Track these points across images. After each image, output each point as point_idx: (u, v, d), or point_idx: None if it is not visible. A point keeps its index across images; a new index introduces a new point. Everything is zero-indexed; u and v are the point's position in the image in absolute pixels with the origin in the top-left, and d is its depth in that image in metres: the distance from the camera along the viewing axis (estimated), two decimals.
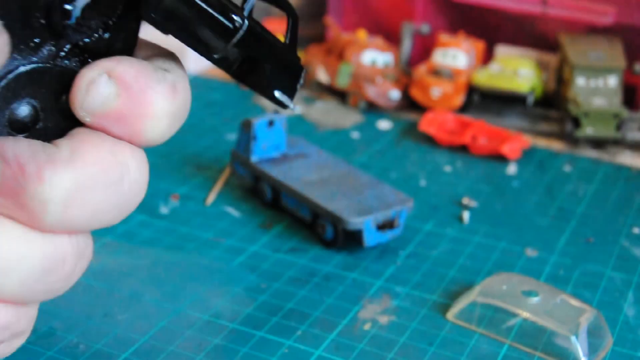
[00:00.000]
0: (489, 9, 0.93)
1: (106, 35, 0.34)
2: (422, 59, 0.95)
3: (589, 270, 0.62)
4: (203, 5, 0.33)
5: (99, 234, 0.63)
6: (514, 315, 0.54)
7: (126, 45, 0.35)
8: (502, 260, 0.63)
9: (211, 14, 0.33)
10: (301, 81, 0.39)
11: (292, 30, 0.38)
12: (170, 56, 0.36)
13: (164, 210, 0.67)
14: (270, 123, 0.69)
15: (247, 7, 0.35)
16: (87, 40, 0.34)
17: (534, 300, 0.54)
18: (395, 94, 0.88)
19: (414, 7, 0.95)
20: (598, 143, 0.82)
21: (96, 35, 0.34)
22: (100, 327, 0.53)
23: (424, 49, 0.95)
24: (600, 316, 0.54)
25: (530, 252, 0.64)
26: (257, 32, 0.36)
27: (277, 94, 0.37)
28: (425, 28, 0.94)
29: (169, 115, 0.33)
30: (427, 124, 0.83)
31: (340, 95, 0.91)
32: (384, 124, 0.86)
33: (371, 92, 0.88)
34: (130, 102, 0.32)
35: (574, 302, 0.54)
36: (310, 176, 0.67)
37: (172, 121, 0.34)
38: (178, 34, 0.34)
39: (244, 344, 0.52)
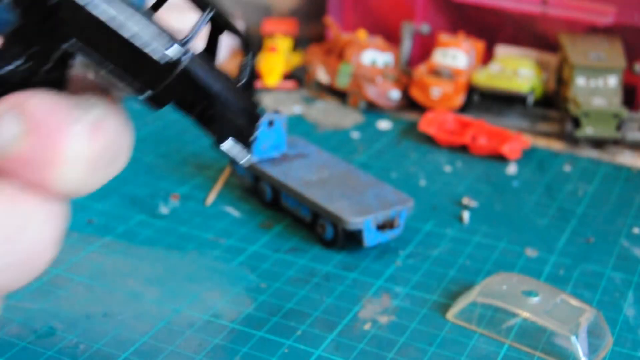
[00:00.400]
0: (489, 9, 0.93)
1: (26, 66, 0.29)
2: (422, 59, 0.95)
3: (589, 270, 0.62)
4: (125, 34, 0.28)
5: (98, 234, 0.63)
6: (514, 315, 0.54)
7: (51, 77, 0.30)
8: (502, 260, 0.63)
9: (135, 46, 0.28)
10: (258, 130, 0.32)
11: (250, 66, 0.33)
12: (102, 91, 0.30)
13: (164, 210, 0.67)
14: (270, 123, 0.69)
15: (191, 36, 0.29)
16: (1, 70, 0.29)
17: (534, 300, 0.54)
18: (395, 94, 0.88)
19: (414, 7, 0.95)
20: (598, 143, 0.82)
21: (15, 64, 0.29)
22: (100, 327, 0.53)
23: (424, 49, 0.95)
24: (600, 316, 0.54)
25: (530, 252, 0.64)
26: (197, 71, 0.30)
27: (226, 145, 0.31)
28: (425, 28, 0.94)
29: (86, 161, 0.28)
30: (427, 124, 0.83)
31: (340, 95, 0.91)
32: (384, 124, 0.86)
33: (371, 92, 0.88)
34: (38, 143, 0.27)
35: (574, 302, 0.54)
36: (310, 176, 0.67)
37: (93, 167, 0.29)
38: (101, 66, 0.28)
39: (244, 344, 0.52)
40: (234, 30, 0.33)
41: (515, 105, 0.88)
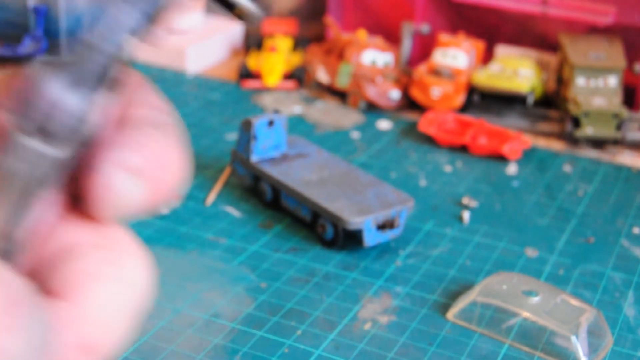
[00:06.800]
0: (489, 9, 0.93)
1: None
2: (422, 59, 0.95)
3: (589, 270, 0.62)
4: None
5: None
6: (514, 315, 0.54)
7: None
8: (502, 260, 0.63)
9: None
10: None
11: None
12: (151, 91, 0.29)
13: (164, 210, 0.67)
14: (270, 123, 0.69)
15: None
16: None
17: (534, 300, 0.54)
18: (395, 94, 0.88)
19: (414, 7, 0.95)
20: (598, 143, 0.82)
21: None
22: None
23: (424, 49, 0.95)
24: (601, 316, 0.54)
25: (530, 252, 0.64)
26: None
27: None
28: (425, 28, 0.94)
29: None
30: (427, 124, 0.83)
31: (340, 95, 0.91)
32: (384, 124, 0.86)
33: (371, 92, 0.87)
34: (157, 187, 0.28)
35: (574, 302, 0.54)
36: (310, 176, 0.67)
37: None
38: None
39: (244, 344, 0.52)
40: None
41: (515, 105, 0.88)
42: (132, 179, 0.27)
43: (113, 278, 0.28)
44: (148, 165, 0.27)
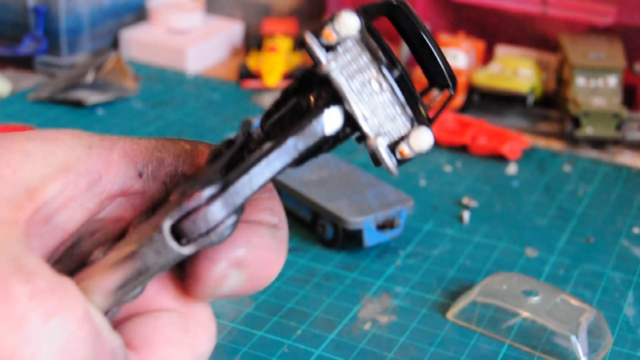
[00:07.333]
0: (489, 9, 0.93)
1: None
2: None
3: (589, 270, 0.62)
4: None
5: None
6: (514, 315, 0.54)
7: None
8: (502, 260, 0.63)
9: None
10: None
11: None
12: (275, 199, 0.33)
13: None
14: None
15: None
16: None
17: (534, 300, 0.54)
18: None
19: (414, 7, 0.94)
20: (598, 143, 0.82)
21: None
22: None
23: None
24: (600, 316, 0.54)
25: (530, 252, 0.64)
26: None
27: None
28: None
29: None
30: None
31: None
32: None
33: None
34: (254, 281, 0.31)
35: (574, 302, 0.54)
36: (310, 176, 0.67)
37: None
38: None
39: (244, 344, 0.52)
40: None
41: (515, 105, 0.88)
42: (234, 270, 0.30)
43: (180, 343, 0.30)
44: (251, 261, 0.30)
